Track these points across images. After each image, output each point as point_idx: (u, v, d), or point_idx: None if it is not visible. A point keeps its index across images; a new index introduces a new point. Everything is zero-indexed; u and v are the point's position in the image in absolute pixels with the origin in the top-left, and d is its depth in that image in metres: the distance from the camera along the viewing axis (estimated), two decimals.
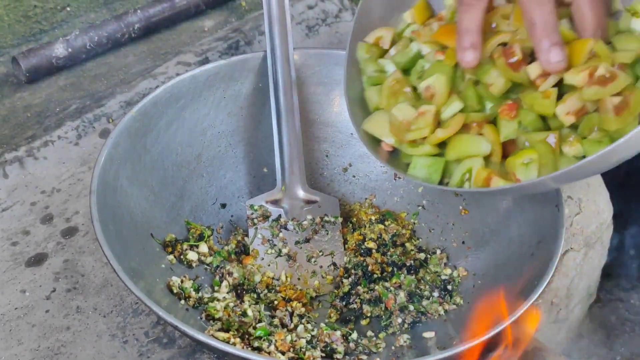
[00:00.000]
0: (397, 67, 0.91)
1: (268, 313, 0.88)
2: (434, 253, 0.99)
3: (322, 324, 0.88)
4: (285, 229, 0.99)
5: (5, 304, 0.89)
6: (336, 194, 1.07)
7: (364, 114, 0.93)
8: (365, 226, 1.01)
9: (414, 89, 0.88)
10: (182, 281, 0.88)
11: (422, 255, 0.98)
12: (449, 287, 0.94)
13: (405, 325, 0.90)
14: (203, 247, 0.94)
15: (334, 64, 1.07)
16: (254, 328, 0.84)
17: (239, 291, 0.91)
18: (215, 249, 0.96)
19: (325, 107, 1.09)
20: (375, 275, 0.95)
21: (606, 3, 0.83)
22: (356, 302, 0.93)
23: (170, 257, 0.91)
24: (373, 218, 1.02)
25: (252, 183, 1.06)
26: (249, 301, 0.89)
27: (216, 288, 0.91)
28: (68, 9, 1.36)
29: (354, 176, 1.08)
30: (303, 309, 0.91)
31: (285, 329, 0.86)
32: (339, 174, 1.09)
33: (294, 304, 0.91)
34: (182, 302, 0.85)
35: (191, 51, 1.27)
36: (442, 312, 0.91)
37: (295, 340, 0.84)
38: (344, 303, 0.93)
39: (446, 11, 0.92)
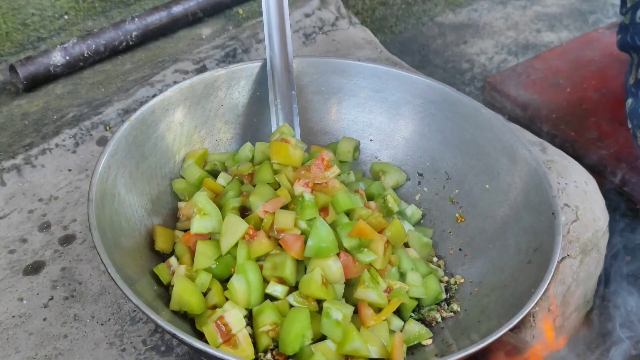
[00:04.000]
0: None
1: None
2: (431, 261, 0.99)
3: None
4: None
5: (2, 312, 0.89)
6: None
7: None
8: None
9: None
10: None
11: None
12: (446, 294, 0.94)
13: None
14: None
15: (331, 72, 1.08)
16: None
17: None
18: None
19: (323, 115, 1.10)
20: None
21: None
22: None
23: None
24: None
25: None
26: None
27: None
28: (66, 17, 1.36)
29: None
30: None
31: None
32: None
33: None
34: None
35: (189, 59, 1.27)
36: (439, 320, 0.91)
37: None
38: None
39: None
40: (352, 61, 1.09)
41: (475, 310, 0.90)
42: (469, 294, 0.93)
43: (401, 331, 0.86)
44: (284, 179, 0.92)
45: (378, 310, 0.85)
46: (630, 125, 1.34)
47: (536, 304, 0.80)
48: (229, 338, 0.80)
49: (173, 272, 0.87)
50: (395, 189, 1.06)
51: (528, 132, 1.21)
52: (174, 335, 0.73)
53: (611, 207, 1.13)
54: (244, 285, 0.83)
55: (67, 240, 0.98)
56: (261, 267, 0.85)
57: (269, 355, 0.82)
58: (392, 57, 1.35)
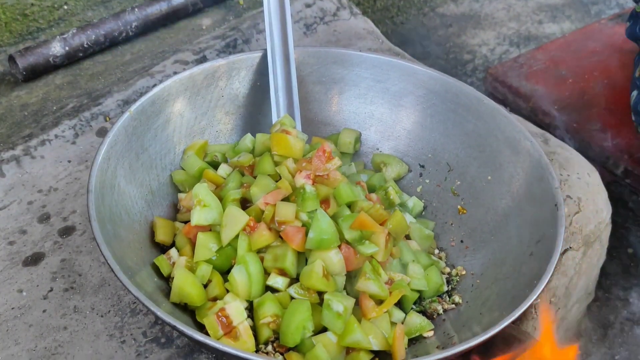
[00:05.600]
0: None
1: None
2: (432, 253, 0.98)
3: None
4: None
5: (2, 303, 0.88)
6: None
7: None
8: None
9: None
10: None
11: None
12: (448, 286, 0.94)
13: None
14: None
15: (332, 63, 1.07)
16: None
17: None
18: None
19: (324, 106, 1.09)
20: None
21: None
22: None
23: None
24: None
25: None
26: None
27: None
28: (65, 7, 1.35)
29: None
30: None
31: None
32: None
33: None
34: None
35: (189, 50, 1.26)
36: (441, 311, 0.91)
37: None
38: None
39: None
40: (353, 52, 1.08)
41: (477, 302, 0.89)
42: (470, 286, 0.93)
43: (402, 323, 0.86)
44: (284, 170, 0.92)
45: (379, 302, 0.84)
46: (634, 118, 1.34)
47: (538, 296, 0.79)
48: (229, 330, 0.79)
49: (173, 264, 0.87)
50: (397, 180, 1.05)
51: (530, 123, 1.21)
52: (174, 327, 0.72)
53: (614, 199, 1.13)
54: (244, 277, 0.83)
55: (66, 231, 0.98)
56: (262, 259, 0.85)
57: (269, 347, 0.82)
58: (393, 48, 1.34)
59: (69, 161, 1.07)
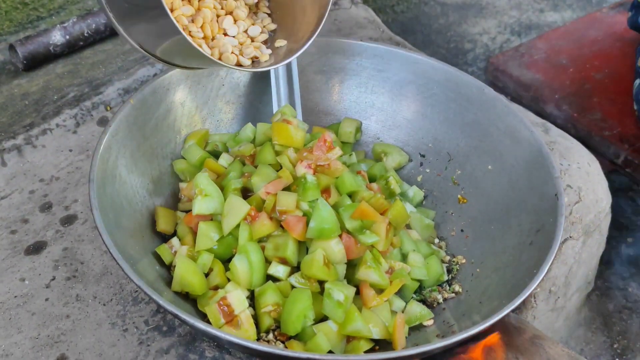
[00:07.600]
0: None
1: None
2: (433, 242, 0.99)
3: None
4: None
5: (4, 292, 0.89)
6: None
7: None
8: None
9: None
10: None
11: None
12: (448, 275, 0.94)
13: None
14: None
15: (333, 52, 1.07)
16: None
17: None
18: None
19: (324, 95, 1.09)
20: None
21: None
22: None
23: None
24: None
25: None
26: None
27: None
28: None
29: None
30: None
31: None
32: None
33: None
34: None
35: None
36: (441, 300, 0.91)
37: None
38: None
39: None
40: (354, 41, 1.08)
41: (477, 291, 0.90)
42: (470, 275, 0.93)
43: (403, 312, 0.87)
44: (285, 160, 0.92)
45: (380, 291, 0.85)
46: (636, 107, 1.34)
47: (537, 285, 0.80)
48: (231, 319, 0.80)
49: (175, 253, 0.87)
50: (397, 170, 1.06)
51: (531, 112, 1.21)
52: (176, 316, 0.73)
53: (614, 189, 1.13)
54: (246, 265, 0.83)
55: (68, 220, 0.98)
56: (263, 248, 0.85)
57: (270, 336, 0.83)
58: (394, 37, 1.34)
59: (70, 150, 1.07)
